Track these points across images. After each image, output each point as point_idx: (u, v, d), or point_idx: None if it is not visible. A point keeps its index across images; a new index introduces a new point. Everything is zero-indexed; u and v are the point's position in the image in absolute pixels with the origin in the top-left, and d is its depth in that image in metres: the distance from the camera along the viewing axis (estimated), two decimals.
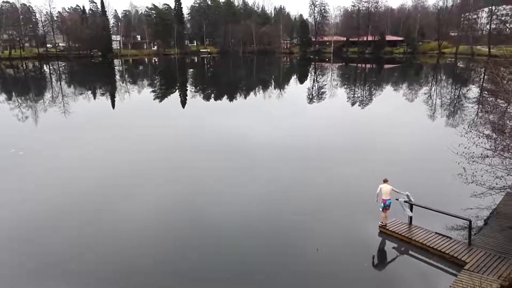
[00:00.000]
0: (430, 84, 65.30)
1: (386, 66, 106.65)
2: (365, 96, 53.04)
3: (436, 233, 13.71)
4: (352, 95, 53.58)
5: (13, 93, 58.16)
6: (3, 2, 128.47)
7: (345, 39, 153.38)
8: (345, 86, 65.18)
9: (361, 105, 45.17)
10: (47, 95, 55.04)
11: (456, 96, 50.66)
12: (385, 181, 14.40)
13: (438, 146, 23.55)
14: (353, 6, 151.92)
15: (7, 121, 36.00)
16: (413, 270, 12.33)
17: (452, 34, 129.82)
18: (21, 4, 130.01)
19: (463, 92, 53.78)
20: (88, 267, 12.31)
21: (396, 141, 27.34)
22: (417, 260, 12.79)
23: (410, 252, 13.27)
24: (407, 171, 20.79)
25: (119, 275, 12.06)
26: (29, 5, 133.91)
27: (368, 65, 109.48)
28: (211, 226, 14.89)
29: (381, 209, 14.34)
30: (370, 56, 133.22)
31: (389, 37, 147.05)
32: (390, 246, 13.71)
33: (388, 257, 13.30)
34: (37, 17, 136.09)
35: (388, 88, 61.74)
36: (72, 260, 12.60)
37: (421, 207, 14.01)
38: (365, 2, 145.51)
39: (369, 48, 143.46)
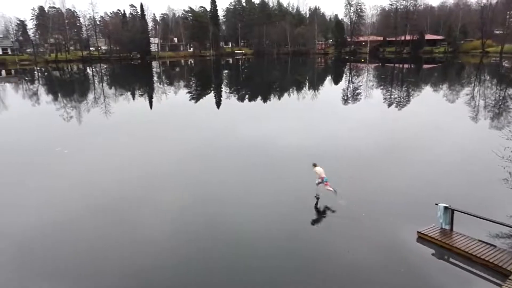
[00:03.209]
0: (473, 84, 62.48)
1: (425, 66, 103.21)
2: (403, 97, 51.55)
3: (479, 240, 13.12)
4: (389, 96, 52.25)
5: (59, 94, 61.50)
6: (50, 7, 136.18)
7: (381, 38, 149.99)
8: (382, 87, 63.70)
9: (399, 106, 43.97)
10: (90, 96, 57.71)
11: (501, 97, 48.14)
12: (315, 165, 16.96)
13: (481, 149, 22.58)
14: (391, 5, 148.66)
15: (54, 120, 38.17)
16: (453, 278, 11.87)
17: (497, 32, 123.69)
18: (66, 9, 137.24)
19: (509, 93, 51.08)
20: (105, 270, 12.49)
21: (436, 143, 26.36)
22: (458, 268, 12.30)
23: (451, 259, 12.77)
24: (448, 174, 19.96)
25: (132, 279, 12.03)
26: (74, 10, 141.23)
27: (406, 65, 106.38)
28: (236, 230, 14.72)
29: (318, 183, 16.42)
30: (408, 56, 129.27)
31: (428, 36, 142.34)
32: (429, 252, 13.25)
33: (427, 264, 12.81)
34: (81, 21, 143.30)
35: (427, 89, 59.70)
36: (90, 262, 12.72)
37: (463, 213, 13.45)
38: (403, 0, 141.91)
39: (407, 48, 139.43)
